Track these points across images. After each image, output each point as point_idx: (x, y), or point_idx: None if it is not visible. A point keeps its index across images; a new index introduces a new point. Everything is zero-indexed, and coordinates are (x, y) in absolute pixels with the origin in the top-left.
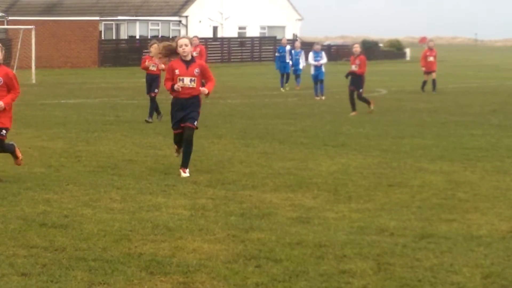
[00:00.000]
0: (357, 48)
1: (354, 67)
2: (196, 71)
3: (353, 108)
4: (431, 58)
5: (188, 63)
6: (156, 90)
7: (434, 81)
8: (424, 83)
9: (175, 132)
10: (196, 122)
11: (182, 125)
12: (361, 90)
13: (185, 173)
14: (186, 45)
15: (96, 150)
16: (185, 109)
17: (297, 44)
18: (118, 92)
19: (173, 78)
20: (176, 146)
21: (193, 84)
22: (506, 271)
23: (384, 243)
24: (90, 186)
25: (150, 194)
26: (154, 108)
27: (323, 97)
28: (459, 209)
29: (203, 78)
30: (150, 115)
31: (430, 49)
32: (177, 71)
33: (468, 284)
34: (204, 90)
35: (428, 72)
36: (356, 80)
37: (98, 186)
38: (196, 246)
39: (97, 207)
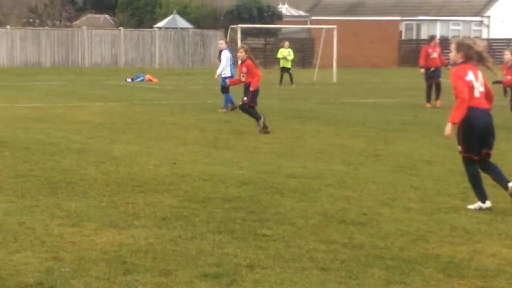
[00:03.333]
0: (242, 53)
1: (241, 77)
2: None
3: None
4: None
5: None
6: None
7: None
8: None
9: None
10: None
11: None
12: (245, 99)
13: None
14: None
15: (395, 149)
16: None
17: None
18: (417, 92)
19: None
20: None
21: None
22: None
23: None
24: (388, 185)
25: (448, 195)
26: None
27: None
28: None
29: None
30: None
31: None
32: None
33: None
34: None
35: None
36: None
37: (396, 186)
38: (494, 251)
39: (395, 207)
